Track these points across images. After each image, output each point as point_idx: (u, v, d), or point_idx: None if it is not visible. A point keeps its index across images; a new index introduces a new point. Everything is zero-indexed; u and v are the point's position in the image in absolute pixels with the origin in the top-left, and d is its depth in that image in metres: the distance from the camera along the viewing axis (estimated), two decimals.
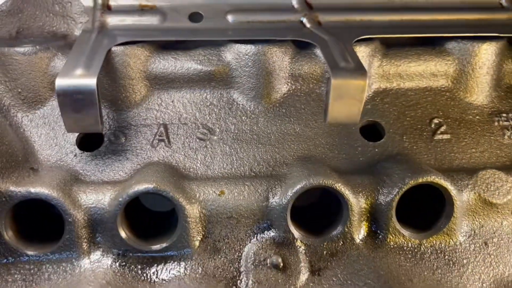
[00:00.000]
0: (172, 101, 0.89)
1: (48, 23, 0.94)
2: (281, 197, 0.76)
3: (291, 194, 0.75)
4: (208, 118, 0.89)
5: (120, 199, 0.73)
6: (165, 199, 0.73)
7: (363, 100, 0.77)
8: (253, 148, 0.86)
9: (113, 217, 0.73)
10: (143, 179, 0.74)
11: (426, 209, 0.83)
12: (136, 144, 0.86)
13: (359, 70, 0.77)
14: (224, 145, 0.86)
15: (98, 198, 0.75)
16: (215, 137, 0.87)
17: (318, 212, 0.86)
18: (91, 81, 0.75)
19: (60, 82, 0.74)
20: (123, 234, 0.74)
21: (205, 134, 0.87)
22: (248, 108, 0.89)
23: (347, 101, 0.77)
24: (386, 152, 0.87)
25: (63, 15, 0.94)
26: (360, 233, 0.78)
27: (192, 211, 0.75)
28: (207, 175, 0.83)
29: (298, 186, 0.75)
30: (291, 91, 0.91)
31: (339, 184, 0.75)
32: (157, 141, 0.86)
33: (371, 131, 0.91)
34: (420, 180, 0.75)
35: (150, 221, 0.87)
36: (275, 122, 0.89)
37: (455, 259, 0.77)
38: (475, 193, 0.79)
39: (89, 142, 0.87)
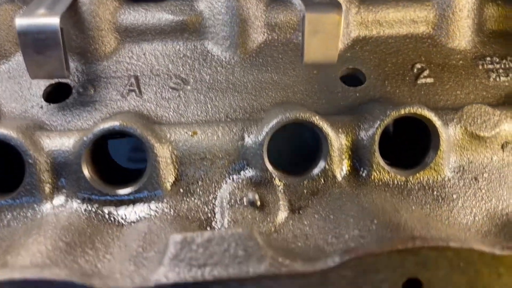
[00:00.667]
0: (144, 54, 0.86)
1: None
2: (257, 135, 0.72)
3: (267, 130, 0.71)
4: (181, 69, 0.85)
5: (85, 139, 0.68)
6: (133, 137, 0.69)
7: (340, 35, 0.75)
8: (229, 97, 0.83)
9: (78, 158, 0.68)
10: (110, 118, 0.70)
11: (410, 152, 0.79)
12: (105, 95, 0.82)
13: (334, 3, 0.75)
14: (199, 94, 0.83)
15: (62, 141, 0.71)
16: (188, 87, 0.83)
17: (299, 158, 0.81)
18: (53, 20, 0.71)
19: (21, 22, 0.71)
20: (87, 174, 0.69)
21: (178, 84, 0.83)
22: (224, 59, 0.86)
23: (323, 37, 0.74)
24: (368, 96, 0.84)
25: None
26: (342, 170, 0.73)
27: (162, 150, 0.70)
28: (180, 121, 0.79)
29: (274, 121, 0.71)
30: (268, 41, 0.88)
31: (317, 118, 0.71)
32: (127, 91, 0.82)
33: (352, 79, 0.88)
34: (402, 112, 0.72)
35: (123, 176, 0.82)
36: (251, 71, 0.85)
37: (444, 194, 0.72)
38: (461, 126, 0.75)
39: (56, 96, 0.83)
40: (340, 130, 0.74)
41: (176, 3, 0.86)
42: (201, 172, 0.72)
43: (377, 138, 0.72)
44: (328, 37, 0.75)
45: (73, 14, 0.81)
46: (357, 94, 0.84)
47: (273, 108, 0.78)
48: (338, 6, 0.74)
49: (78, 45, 0.83)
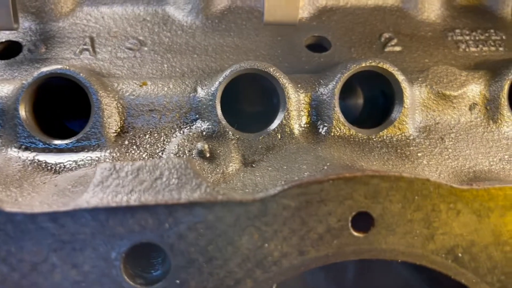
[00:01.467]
0: (102, 17, 0.83)
1: None
2: (210, 85, 0.68)
3: (220, 80, 0.67)
4: (140, 32, 0.82)
5: (24, 82, 0.64)
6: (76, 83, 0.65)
7: None
8: (188, 58, 0.79)
9: (14, 102, 0.64)
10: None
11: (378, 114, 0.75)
12: (57, 54, 0.78)
13: None
14: (156, 55, 0.79)
15: (1, 88, 0.66)
16: (145, 48, 0.80)
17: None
18: None
19: None
20: (23, 117, 0.64)
21: (135, 44, 0.80)
22: (184, 23, 0.83)
23: None
24: (333, 61, 0.80)
25: None
26: (300, 126, 0.69)
27: (107, 97, 0.66)
28: (134, 79, 0.75)
29: (228, 71, 0.67)
30: (231, 8, 0.85)
31: (273, 69, 0.67)
32: (81, 50, 0.79)
33: (317, 46, 0.85)
34: (363, 64, 0.68)
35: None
36: (213, 36, 0.82)
37: (409, 152, 0.68)
38: (426, 85, 0.71)
39: (6, 54, 0.79)
40: (299, 85, 0.70)
41: None
42: (150, 124, 0.68)
43: (337, 92, 0.68)
44: None
45: None
46: (321, 59, 0.81)
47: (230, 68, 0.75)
48: None
49: (33, 5, 0.80)
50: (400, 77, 0.69)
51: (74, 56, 0.78)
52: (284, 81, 0.67)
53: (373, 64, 0.68)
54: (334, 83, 0.68)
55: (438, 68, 0.73)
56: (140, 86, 0.68)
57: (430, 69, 0.73)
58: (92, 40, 0.80)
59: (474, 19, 0.89)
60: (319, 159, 0.60)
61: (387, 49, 0.83)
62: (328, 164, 0.56)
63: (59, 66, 0.64)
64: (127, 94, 0.67)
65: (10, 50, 0.78)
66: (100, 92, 0.65)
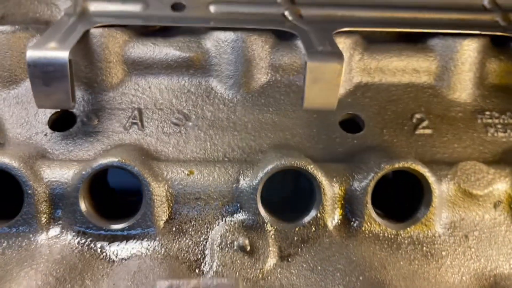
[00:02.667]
0: (149, 87, 0.88)
1: (32, 10, 0.95)
2: (252, 179, 0.73)
3: (261, 175, 0.72)
4: (184, 104, 0.87)
5: (84, 172, 0.70)
6: (131, 175, 0.71)
7: (340, 84, 0.76)
8: (229, 135, 0.84)
9: (75, 191, 0.70)
10: (109, 154, 0.72)
11: (406, 202, 0.80)
12: (108, 126, 0.84)
13: (336, 53, 0.76)
14: (199, 131, 0.84)
15: (62, 173, 0.73)
16: (190, 123, 0.85)
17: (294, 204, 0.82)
18: (63, 54, 0.74)
19: (31, 54, 0.73)
20: (83, 207, 0.70)
21: (180, 119, 0.85)
22: (226, 97, 0.88)
23: (323, 85, 0.76)
24: (365, 144, 0.85)
25: (47, 2, 0.95)
26: (333, 219, 0.74)
27: (158, 189, 0.72)
28: (178, 158, 0.80)
29: (269, 167, 0.72)
30: (271, 82, 0.89)
31: (312, 166, 0.72)
32: (130, 123, 0.84)
33: (351, 124, 0.89)
34: (396, 166, 0.73)
35: (120, 208, 0.83)
36: (253, 111, 0.87)
37: (434, 251, 0.73)
38: (454, 183, 0.76)
39: (61, 124, 0.85)
40: (334, 179, 0.75)
41: (184, 39, 0.89)
42: (195, 212, 0.74)
43: (370, 190, 0.73)
44: (328, 86, 0.76)
45: (83, 46, 0.84)
46: (355, 141, 0.85)
47: (270, 152, 0.80)
48: (340, 56, 0.76)
49: (86, 75, 0.86)
50: (431, 178, 0.73)
51: (124, 130, 0.84)
52: (321, 178, 0.72)
53: (406, 165, 0.73)
54: (368, 181, 0.73)
55: (467, 164, 0.77)
56: (188, 175, 0.74)
57: (459, 165, 0.77)
58: (140, 112, 0.85)
59: (504, 99, 0.92)
60: (351, 266, 0.65)
61: (418, 132, 0.87)
62: (360, 278, 0.61)
63: (115, 159, 0.70)
64: (176, 183, 0.73)
65: (64, 120, 0.84)
66: (153, 184, 0.71)
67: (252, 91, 0.89)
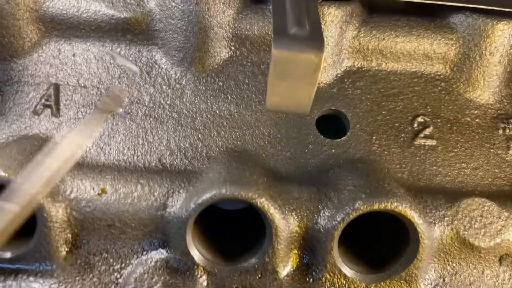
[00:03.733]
0: (73, 55, 0.67)
1: None
2: (182, 208, 0.55)
3: (194, 206, 0.54)
4: (117, 82, 0.67)
5: None
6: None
7: (316, 83, 0.55)
8: (170, 131, 0.65)
9: None
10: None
11: (385, 239, 0.62)
12: (13, 108, 0.64)
13: (314, 39, 0.54)
14: (131, 122, 0.65)
15: None
16: (120, 110, 0.65)
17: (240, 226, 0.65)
18: None
19: None
20: None
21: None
22: (173, 75, 0.67)
23: (293, 83, 0.55)
24: (346, 154, 0.65)
25: None
26: (287, 265, 0.57)
27: (57, 212, 0.54)
28: (97, 161, 0.62)
29: (205, 196, 0.53)
30: (233, 58, 0.68)
31: (263, 200, 0.54)
32: (42, 106, 0.65)
33: (332, 124, 0.69)
34: (376, 206, 0.54)
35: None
36: (205, 97, 0.67)
37: None
38: (452, 229, 0.57)
39: None
40: (293, 213, 0.56)
41: None
42: (107, 241, 0.57)
43: (337, 234, 0.55)
44: (300, 85, 0.55)
45: None
46: (333, 151, 0.65)
47: (219, 163, 0.61)
48: (319, 44, 0.54)
49: None
50: (421, 226, 0.55)
51: (33, 114, 0.64)
52: (275, 216, 0.54)
53: (389, 207, 0.54)
54: (335, 223, 0.55)
55: (472, 204, 0.58)
56: (99, 194, 0.56)
57: (461, 205, 0.58)
58: (57, 90, 0.66)
59: None
60: None
61: (417, 141, 0.66)
62: None
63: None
64: (82, 204, 0.55)
65: None
66: (49, 207, 0.53)
67: (207, 70, 0.68)
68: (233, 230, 0.65)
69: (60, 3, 0.65)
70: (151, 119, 0.65)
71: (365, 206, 0.54)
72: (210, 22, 0.64)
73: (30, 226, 0.57)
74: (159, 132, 0.65)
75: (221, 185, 0.54)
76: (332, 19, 0.65)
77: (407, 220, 0.55)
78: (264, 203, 0.54)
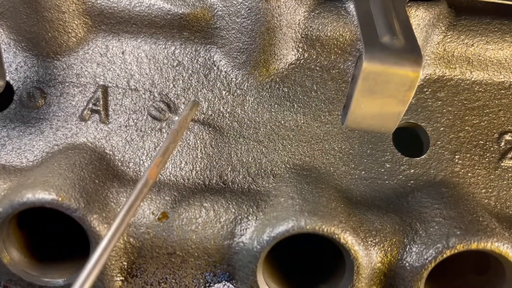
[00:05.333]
0: (123, 52, 0.60)
1: None
2: (253, 239, 0.49)
3: (267, 239, 0.47)
4: (171, 86, 0.60)
5: (1, 210, 0.46)
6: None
7: (408, 102, 0.48)
8: (230, 143, 0.58)
9: None
10: (44, 180, 0.47)
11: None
12: (57, 112, 0.58)
13: (410, 51, 0.47)
14: (188, 132, 0.58)
15: None
16: (176, 118, 0.59)
17: (309, 250, 0.59)
18: None
19: None
20: (5, 258, 0.48)
21: (163, 111, 0.59)
22: (234, 79, 0.60)
23: (383, 100, 0.48)
24: (426, 176, 0.58)
25: None
26: None
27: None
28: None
29: (281, 229, 0.47)
30: (301, 62, 0.61)
31: (347, 235, 0.47)
32: (89, 111, 0.58)
33: (410, 138, 0.62)
34: (474, 246, 0.48)
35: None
36: (269, 106, 0.60)
37: None
38: None
39: None
40: (376, 247, 0.50)
41: None
42: (166, 271, 0.51)
43: (425, 274, 0.49)
44: (391, 102, 0.48)
45: None
46: (411, 171, 0.59)
47: (288, 184, 0.54)
48: (417, 58, 0.46)
49: (30, 30, 0.58)
50: None
51: (80, 121, 0.58)
52: (357, 253, 0.48)
53: (488, 247, 0.47)
54: (424, 262, 0.48)
55: None
56: (159, 219, 0.50)
57: None
58: (105, 93, 0.59)
59: None
60: None
61: (504, 163, 0.60)
62: None
63: (47, 197, 0.45)
64: (141, 230, 0.49)
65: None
66: (103, 234, 0.47)
67: (272, 74, 0.60)
68: (297, 254, 0.59)
69: None
70: (209, 129, 0.59)
71: (461, 245, 0.47)
72: (280, 21, 0.57)
73: (84, 250, 0.52)
74: (219, 144, 0.58)
75: (298, 216, 0.47)
76: (419, 23, 0.57)
77: (505, 260, 0.48)
78: (348, 238, 0.47)
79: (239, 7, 0.56)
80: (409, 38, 0.48)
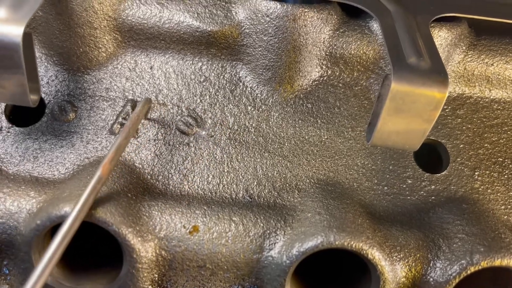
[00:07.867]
0: (151, 67, 0.62)
1: None
2: (282, 254, 0.50)
3: (297, 254, 0.49)
4: (198, 101, 0.61)
5: (38, 222, 0.47)
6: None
7: (434, 121, 0.49)
8: (256, 157, 0.60)
9: (26, 244, 0.48)
10: (79, 193, 0.49)
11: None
12: (88, 126, 0.59)
13: (437, 72, 0.48)
14: (215, 146, 0.60)
15: (12, 209, 0.50)
16: (203, 132, 0.60)
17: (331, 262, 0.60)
18: (15, 30, 0.47)
19: None
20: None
21: (190, 125, 0.60)
22: (259, 95, 0.62)
23: (409, 118, 0.49)
24: (447, 192, 0.60)
25: None
26: None
27: (146, 253, 0.50)
28: (181, 190, 0.57)
29: (310, 244, 0.48)
30: (325, 78, 0.62)
31: (374, 251, 0.49)
32: (119, 125, 0.59)
33: (430, 155, 0.63)
34: (497, 263, 0.49)
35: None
36: (293, 121, 0.61)
37: None
38: None
39: (23, 114, 0.60)
40: (401, 262, 0.51)
41: (207, 2, 0.60)
42: (196, 283, 0.52)
43: None
44: (416, 121, 0.49)
45: (57, 2, 0.56)
46: (432, 187, 0.60)
47: (313, 198, 0.56)
48: (443, 78, 0.48)
49: (62, 45, 0.59)
50: None
51: (109, 134, 0.59)
52: (385, 269, 0.49)
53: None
54: (449, 277, 0.50)
55: None
56: (190, 233, 0.51)
57: None
58: (134, 107, 0.60)
59: None
60: None
61: None
62: None
63: (81, 214, 0.47)
64: (173, 243, 0.51)
65: (28, 109, 0.60)
66: (138, 247, 0.49)
67: (296, 90, 0.62)
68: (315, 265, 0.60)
69: (140, 11, 0.59)
70: (236, 143, 0.60)
71: (485, 262, 0.49)
72: (306, 39, 0.58)
73: (113, 260, 0.53)
74: (245, 159, 0.59)
75: (327, 231, 0.49)
76: (441, 42, 0.59)
77: None
78: (375, 254, 0.49)
79: (266, 25, 0.58)
80: (434, 59, 0.50)
